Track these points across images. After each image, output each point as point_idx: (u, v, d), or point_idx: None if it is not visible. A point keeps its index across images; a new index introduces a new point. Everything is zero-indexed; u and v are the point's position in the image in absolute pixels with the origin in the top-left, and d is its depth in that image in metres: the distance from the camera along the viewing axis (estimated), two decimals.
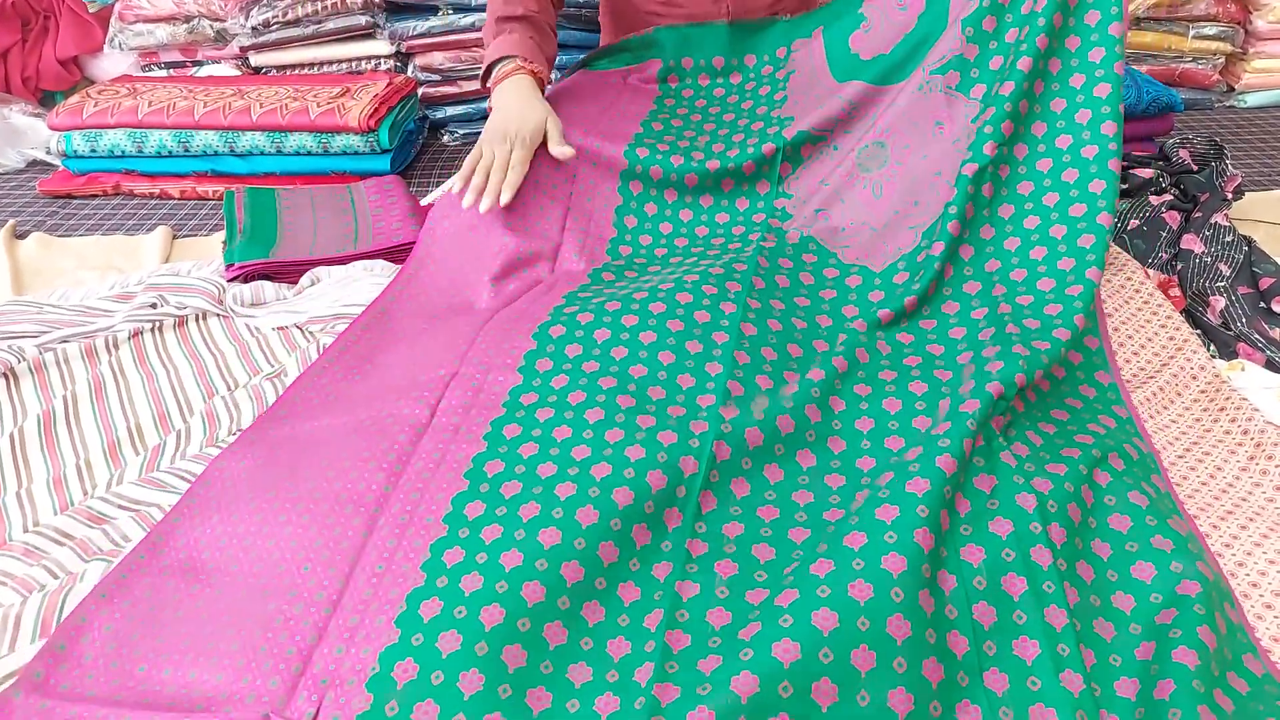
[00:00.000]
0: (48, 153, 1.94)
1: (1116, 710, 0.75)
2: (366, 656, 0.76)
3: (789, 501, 0.94)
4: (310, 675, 0.76)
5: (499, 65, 1.41)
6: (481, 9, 1.96)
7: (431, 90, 2.05)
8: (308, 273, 1.43)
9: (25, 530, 0.98)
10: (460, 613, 0.78)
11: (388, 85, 1.86)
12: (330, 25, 1.98)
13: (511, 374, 1.04)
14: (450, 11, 1.98)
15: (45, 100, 2.14)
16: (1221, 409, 1.12)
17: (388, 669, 0.75)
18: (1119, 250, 1.40)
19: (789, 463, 0.97)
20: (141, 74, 2.08)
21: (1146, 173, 1.56)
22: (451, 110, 2.07)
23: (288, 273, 1.44)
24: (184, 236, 1.65)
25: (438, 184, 1.82)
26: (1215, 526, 0.95)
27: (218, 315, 1.35)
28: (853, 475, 0.97)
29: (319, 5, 1.95)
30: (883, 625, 0.76)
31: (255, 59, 2.04)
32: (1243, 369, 1.18)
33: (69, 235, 1.65)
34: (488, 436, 0.96)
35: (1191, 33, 2.08)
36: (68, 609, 0.86)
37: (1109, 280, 1.31)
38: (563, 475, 0.89)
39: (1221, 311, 1.27)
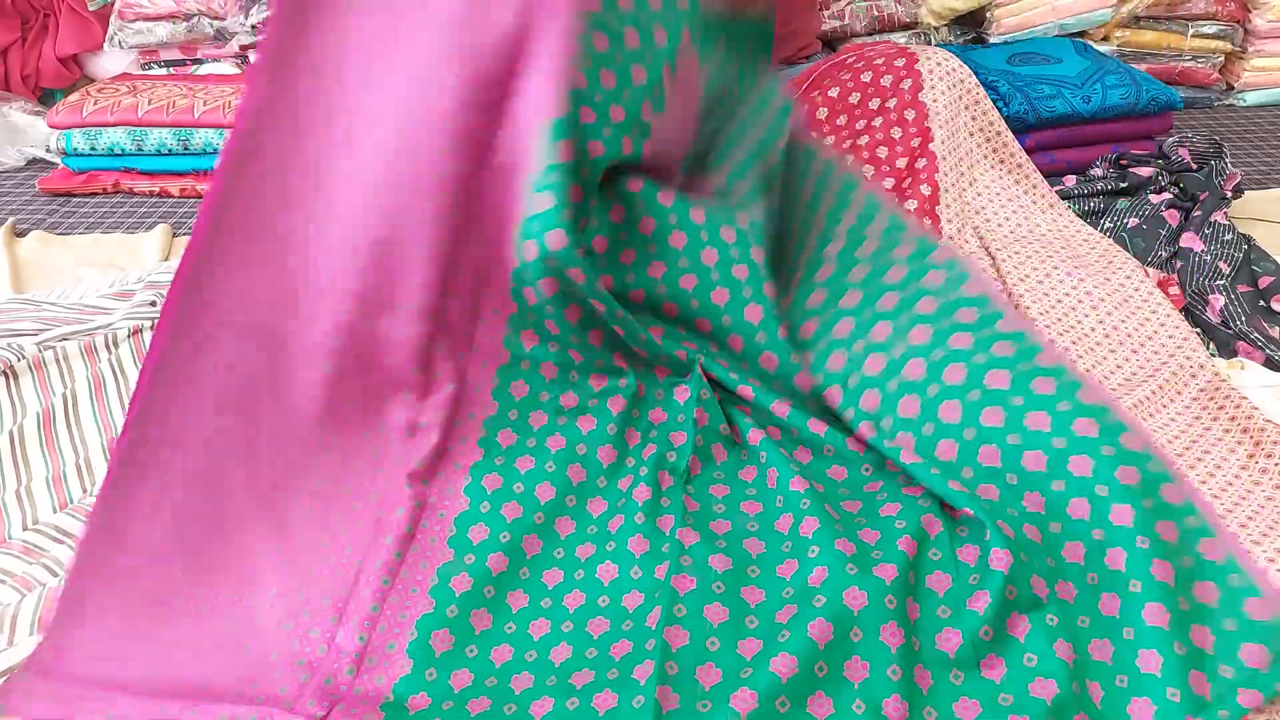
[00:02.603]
0: (47, 151, 1.94)
1: (1090, 674, 0.77)
2: (381, 685, 0.78)
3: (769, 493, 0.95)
4: (320, 688, 0.77)
5: None
6: None
7: None
8: None
9: (24, 528, 0.98)
10: (471, 651, 0.80)
11: None
12: None
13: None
14: None
15: (45, 98, 2.14)
16: (1221, 407, 1.12)
17: (402, 699, 0.77)
18: (1118, 249, 1.40)
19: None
20: (141, 72, 2.08)
21: (1146, 171, 1.56)
22: None
23: None
24: (184, 234, 1.65)
25: None
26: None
27: None
28: (853, 463, 0.98)
29: None
30: (876, 634, 0.78)
31: (255, 57, 2.04)
32: (1242, 367, 1.18)
33: (69, 233, 1.65)
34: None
35: (1191, 31, 2.08)
36: None
37: (1108, 280, 1.32)
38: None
39: (1221, 310, 1.27)
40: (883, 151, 1.43)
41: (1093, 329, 1.24)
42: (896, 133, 1.44)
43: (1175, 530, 0.81)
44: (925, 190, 1.43)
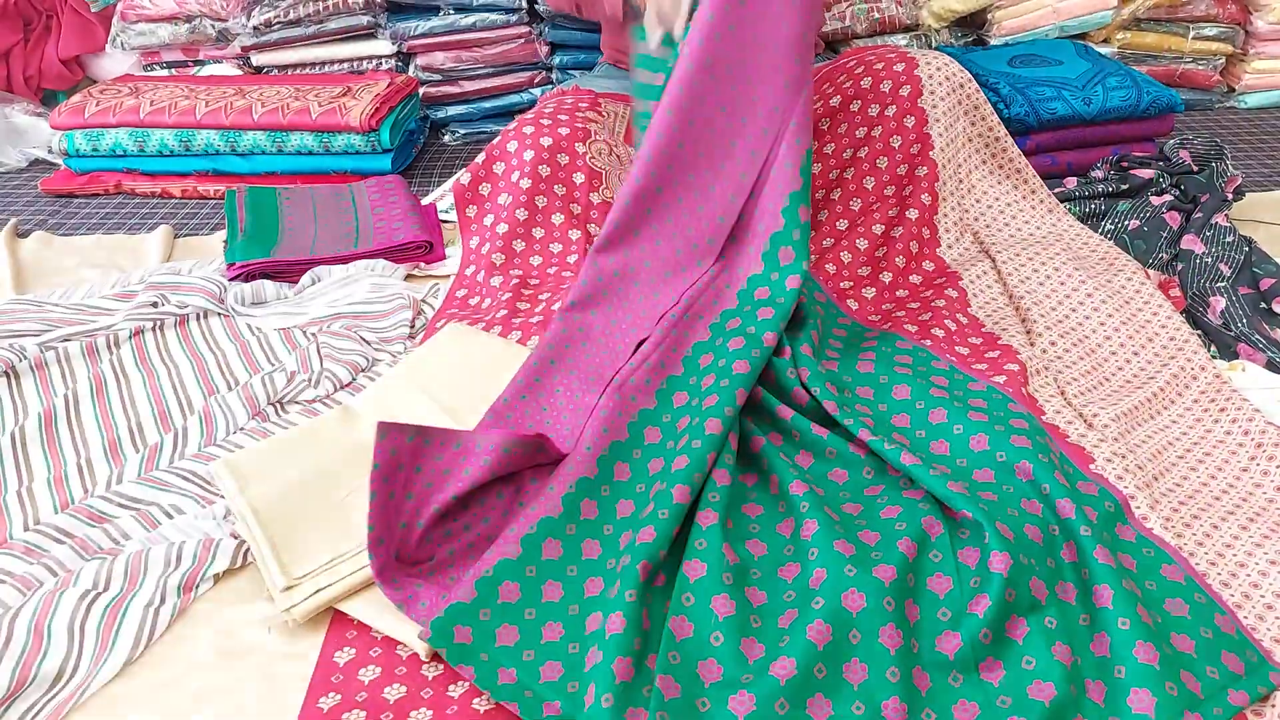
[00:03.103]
0: (49, 152, 1.94)
1: (1088, 673, 0.78)
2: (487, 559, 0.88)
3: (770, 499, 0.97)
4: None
5: None
6: (482, 9, 1.96)
7: (433, 90, 2.05)
8: (308, 272, 1.43)
9: (26, 529, 0.98)
10: (531, 574, 0.87)
11: (389, 85, 1.86)
12: (332, 25, 1.98)
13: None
14: (451, 11, 1.98)
15: (47, 99, 2.15)
16: (1222, 410, 1.12)
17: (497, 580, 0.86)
18: (1119, 251, 1.40)
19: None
20: (143, 73, 2.08)
21: (1147, 173, 1.56)
22: (453, 110, 2.08)
23: (289, 271, 1.45)
24: (185, 235, 1.65)
25: (438, 183, 1.82)
26: (1216, 527, 0.95)
27: (219, 314, 1.35)
28: (855, 466, 1.00)
29: (320, 5, 1.95)
30: (875, 636, 0.78)
31: (257, 58, 2.04)
32: (1243, 369, 1.18)
33: (71, 234, 1.65)
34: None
35: (1192, 33, 2.08)
36: (63, 607, 0.86)
37: (1109, 282, 1.32)
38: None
39: (1222, 312, 1.27)
40: (883, 162, 1.43)
41: (1093, 331, 1.24)
42: (896, 141, 1.44)
43: (1133, 561, 0.88)
44: (925, 199, 1.43)
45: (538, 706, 0.77)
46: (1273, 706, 0.78)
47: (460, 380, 1.14)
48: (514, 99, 2.07)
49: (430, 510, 0.90)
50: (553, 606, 0.85)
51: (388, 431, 0.90)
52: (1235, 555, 0.92)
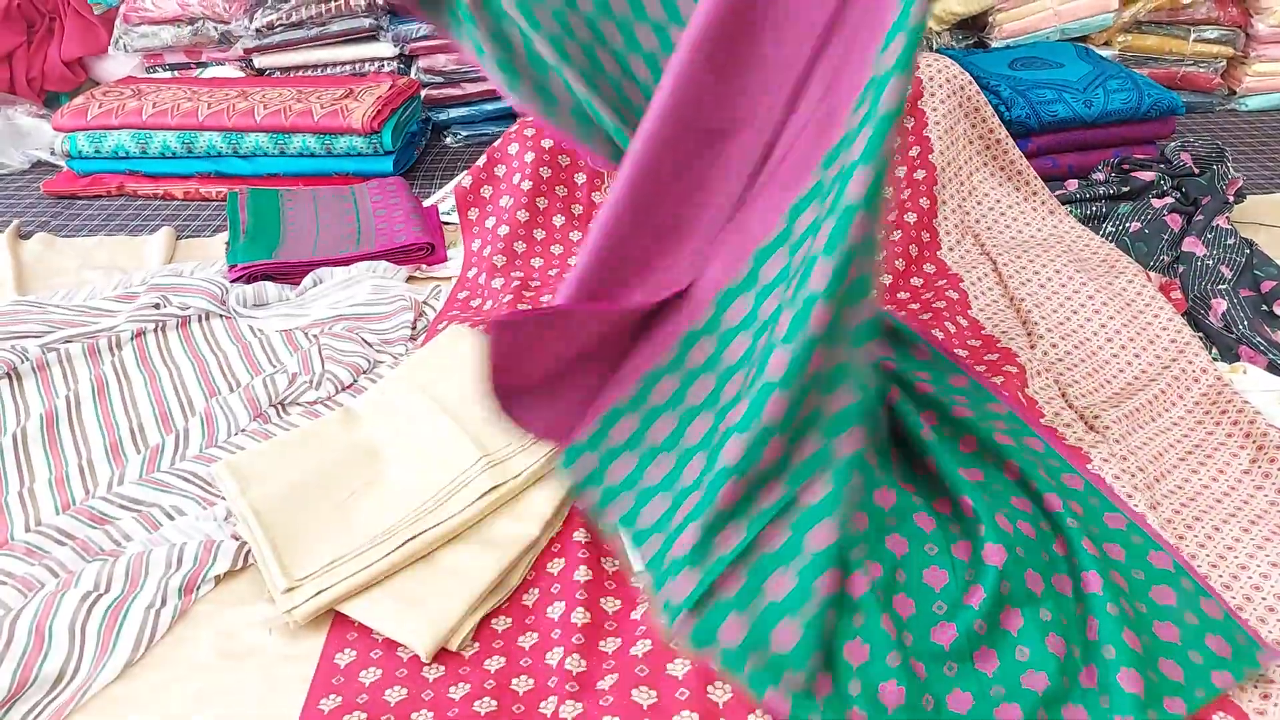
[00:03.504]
0: (52, 153, 1.94)
1: (1093, 659, 0.79)
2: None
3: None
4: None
5: None
6: None
7: (435, 92, 2.05)
8: (310, 273, 1.43)
9: (27, 530, 0.99)
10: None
11: (391, 87, 1.86)
12: (334, 27, 1.98)
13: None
14: None
15: (50, 101, 2.15)
16: (1224, 412, 1.12)
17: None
18: (1121, 254, 1.40)
19: None
20: (146, 75, 2.09)
21: (1148, 176, 1.56)
22: (455, 112, 2.08)
23: (290, 273, 1.45)
24: (187, 237, 1.65)
25: (440, 185, 1.82)
26: (1217, 529, 0.95)
27: (220, 316, 1.35)
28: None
29: (323, 7, 1.95)
30: (877, 620, 0.79)
31: (259, 61, 2.04)
32: (1244, 372, 1.18)
33: (73, 236, 1.65)
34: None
35: (1193, 36, 2.08)
36: (64, 609, 0.86)
37: (1110, 284, 1.32)
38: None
39: (1223, 314, 1.27)
40: None
41: (1095, 333, 1.24)
42: (895, 141, 1.44)
43: (1121, 550, 0.89)
44: (924, 203, 1.44)
45: (644, 537, 0.85)
46: (1276, 706, 0.78)
47: (462, 382, 1.14)
48: None
49: (549, 367, 0.93)
50: (658, 448, 0.90)
51: (496, 330, 0.86)
52: (1237, 558, 0.92)
